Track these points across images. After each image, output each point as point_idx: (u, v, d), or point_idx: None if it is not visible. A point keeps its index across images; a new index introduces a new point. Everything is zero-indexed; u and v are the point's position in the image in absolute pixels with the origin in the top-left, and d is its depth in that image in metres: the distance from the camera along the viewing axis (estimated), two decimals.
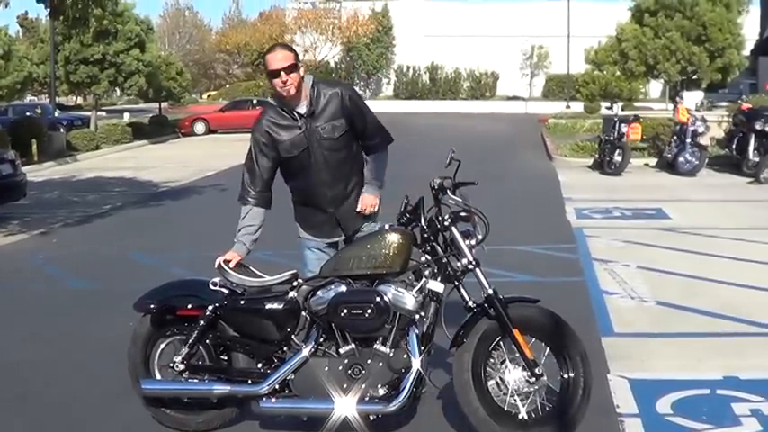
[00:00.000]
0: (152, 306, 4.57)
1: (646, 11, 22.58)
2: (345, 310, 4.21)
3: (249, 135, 4.79)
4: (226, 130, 33.54)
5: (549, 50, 48.74)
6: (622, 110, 21.23)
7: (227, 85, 61.41)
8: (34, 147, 21.87)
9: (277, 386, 4.35)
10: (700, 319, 6.70)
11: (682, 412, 4.76)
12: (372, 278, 4.30)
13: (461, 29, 48.89)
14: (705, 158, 16.83)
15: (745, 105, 18.16)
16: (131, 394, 4.76)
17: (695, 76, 22.50)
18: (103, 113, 39.19)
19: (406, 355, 4.20)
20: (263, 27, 52.56)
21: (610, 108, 18.96)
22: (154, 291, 4.69)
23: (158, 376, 4.65)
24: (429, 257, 4.31)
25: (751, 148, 15.92)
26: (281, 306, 4.37)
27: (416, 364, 4.17)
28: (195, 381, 4.54)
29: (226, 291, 4.47)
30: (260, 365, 4.48)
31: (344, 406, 4.22)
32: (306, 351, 4.33)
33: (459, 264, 4.29)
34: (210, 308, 4.46)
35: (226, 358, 4.58)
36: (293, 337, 4.41)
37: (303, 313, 4.39)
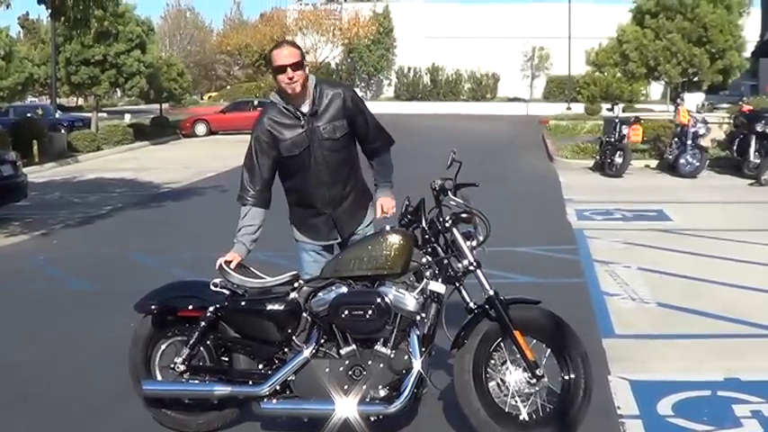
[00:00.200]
0: (153, 307, 4.57)
1: (647, 12, 22.57)
2: (346, 312, 4.21)
3: (250, 136, 4.78)
4: (227, 132, 33.56)
5: (549, 52, 48.69)
6: (623, 111, 21.20)
7: (228, 87, 61.40)
8: (35, 148, 21.87)
9: (278, 387, 4.35)
10: (701, 321, 6.70)
11: (683, 414, 4.76)
12: (373, 279, 4.30)
13: (462, 30, 48.88)
14: (706, 160, 16.83)
15: (746, 107, 18.16)
16: (132, 395, 4.76)
17: (696, 78, 22.48)
18: (104, 114, 39.21)
19: (406, 357, 4.20)
20: (264, 28, 52.52)
21: (611, 110, 18.96)
22: (155, 292, 4.69)
23: (159, 377, 4.65)
24: (430, 259, 4.31)
25: (752, 149, 15.91)
26: (282, 307, 4.37)
27: (417, 365, 4.17)
28: (196, 382, 4.54)
29: (227, 292, 4.47)
30: (261, 366, 4.48)
31: (345, 407, 4.22)
32: (307, 352, 4.33)
33: (460, 265, 4.29)
34: (211, 309, 4.46)
35: (227, 359, 4.58)
36: (294, 338, 4.41)
37: (304, 314, 4.39)
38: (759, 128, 15.92)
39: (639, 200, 13.69)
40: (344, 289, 4.30)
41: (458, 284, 4.29)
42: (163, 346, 4.66)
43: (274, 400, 4.37)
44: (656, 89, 42.62)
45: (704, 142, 17.37)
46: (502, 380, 4.25)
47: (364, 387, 4.23)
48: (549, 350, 4.27)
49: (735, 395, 5.00)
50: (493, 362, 4.27)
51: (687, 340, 6.24)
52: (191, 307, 4.53)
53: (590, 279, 8.20)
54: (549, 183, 16.26)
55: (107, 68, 27.85)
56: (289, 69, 4.48)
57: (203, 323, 4.47)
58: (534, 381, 4.20)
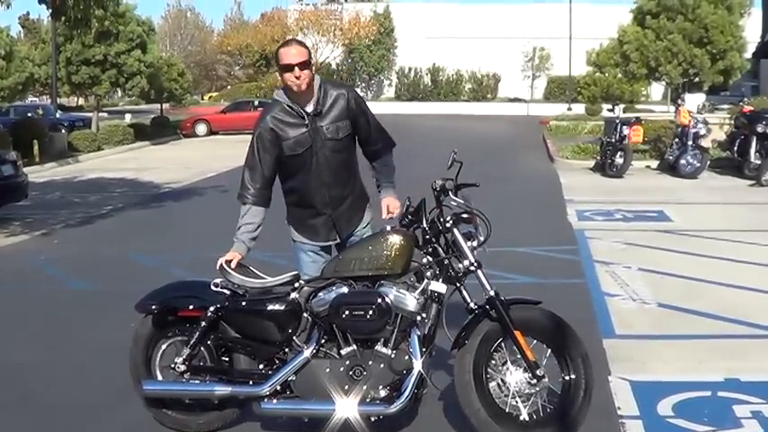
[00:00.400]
0: (153, 307, 4.57)
1: (647, 13, 22.59)
2: (347, 312, 4.21)
3: (251, 136, 4.77)
4: (227, 132, 33.57)
5: (550, 52, 48.68)
6: (624, 112, 21.21)
7: (229, 87, 61.44)
8: (36, 148, 21.87)
9: (278, 387, 4.35)
10: (701, 322, 6.70)
11: (683, 414, 4.76)
12: (374, 279, 4.30)
13: (463, 30, 48.88)
14: (706, 161, 16.82)
15: (747, 108, 18.16)
16: (133, 395, 4.76)
17: (697, 79, 22.50)
18: (105, 114, 39.23)
19: (407, 357, 4.20)
20: (265, 28, 52.54)
21: (611, 110, 18.97)
22: (155, 292, 4.69)
23: (160, 377, 4.65)
24: (431, 259, 4.31)
25: (752, 150, 15.91)
26: (282, 307, 4.37)
27: (418, 365, 4.17)
28: (196, 382, 4.54)
29: (227, 292, 4.47)
30: (261, 367, 4.48)
31: (346, 407, 4.22)
32: (307, 352, 4.33)
33: (460, 265, 4.29)
34: (212, 309, 4.46)
35: (227, 359, 4.58)
36: (295, 338, 4.41)
37: (305, 314, 4.39)
38: (760, 129, 15.92)
39: (640, 200, 13.68)
40: (345, 289, 4.30)
41: (458, 285, 4.29)
42: (163, 346, 4.66)
43: (275, 401, 4.36)
44: (656, 90, 42.62)
45: (705, 143, 17.37)
46: (502, 380, 4.25)
47: (365, 387, 4.23)
48: (549, 350, 4.27)
49: (735, 395, 5.00)
50: (493, 362, 4.27)
51: (687, 341, 6.24)
52: (191, 307, 4.53)
53: (590, 279, 8.20)
54: (550, 183, 16.26)
55: (108, 68, 27.86)
56: (296, 68, 4.48)
57: (204, 323, 4.47)
58: (535, 381, 4.20)
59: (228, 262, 4.51)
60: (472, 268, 4.26)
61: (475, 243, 4.31)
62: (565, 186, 15.68)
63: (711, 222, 11.41)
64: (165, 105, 39.49)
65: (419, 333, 4.24)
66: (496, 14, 49.09)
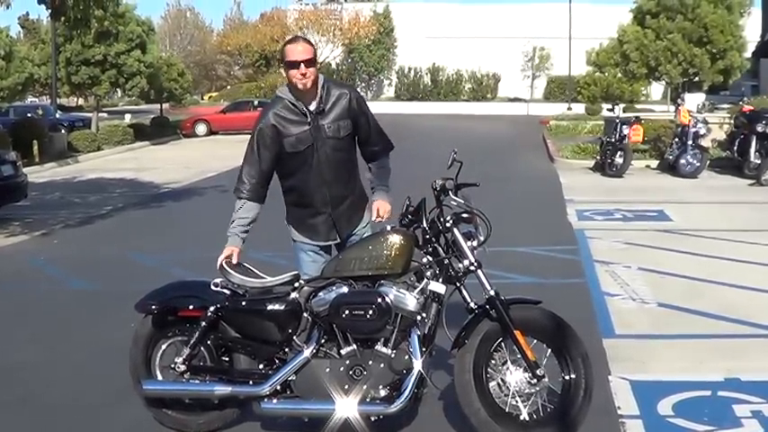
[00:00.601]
0: (153, 307, 4.57)
1: (647, 13, 22.59)
2: (347, 311, 4.21)
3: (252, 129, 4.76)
4: (227, 132, 33.56)
5: (550, 52, 48.65)
6: (624, 112, 21.21)
7: (229, 87, 61.40)
8: (35, 148, 21.88)
9: (278, 387, 4.35)
10: (701, 321, 6.70)
11: (683, 414, 4.76)
12: (374, 279, 4.30)
13: (463, 30, 48.87)
14: (706, 160, 16.83)
15: (747, 107, 18.17)
16: (132, 395, 4.76)
17: (697, 78, 22.50)
18: (105, 114, 39.22)
19: (407, 357, 4.20)
20: (265, 28, 52.47)
21: (611, 110, 18.97)
22: (155, 292, 4.69)
23: (159, 377, 4.65)
24: (431, 259, 4.31)
25: (752, 149, 15.92)
26: (282, 307, 4.37)
27: (418, 365, 4.17)
28: (196, 382, 4.54)
29: (227, 292, 4.47)
30: (261, 366, 4.48)
31: (346, 407, 4.22)
32: (307, 352, 4.33)
33: (460, 265, 4.29)
34: (212, 309, 4.46)
35: (227, 359, 4.57)
36: (295, 338, 4.41)
37: (305, 314, 4.39)
38: (759, 128, 15.93)
39: (640, 200, 13.69)
40: (345, 289, 4.30)
41: (458, 284, 4.29)
42: (163, 346, 4.66)
43: (275, 400, 4.36)
44: (656, 89, 42.63)
45: (705, 142, 17.38)
46: (502, 380, 4.25)
47: (365, 387, 4.23)
48: (549, 350, 4.27)
49: (735, 395, 5.00)
50: (493, 362, 4.27)
51: (687, 340, 6.24)
52: (191, 307, 4.52)
53: (590, 279, 8.20)
54: (550, 183, 16.27)
55: (107, 68, 27.85)
56: (302, 65, 4.49)
57: (204, 323, 4.47)
58: (535, 381, 4.20)
59: (229, 260, 4.51)
60: (472, 268, 4.25)
61: (475, 243, 4.30)
62: (565, 186, 15.68)
63: (711, 222, 11.41)
64: (165, 105, 39.47)
65: (419, 333, 4.24)
66: (496, 14, 49.08)
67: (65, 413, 5.14)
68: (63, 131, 25.82)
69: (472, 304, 4.28)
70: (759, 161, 15.59)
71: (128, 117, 35.70)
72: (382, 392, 4.23)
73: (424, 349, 4.22)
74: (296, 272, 4.53)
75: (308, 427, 4.42)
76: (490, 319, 4.22)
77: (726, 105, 21.82)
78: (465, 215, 4.31)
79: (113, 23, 24.21)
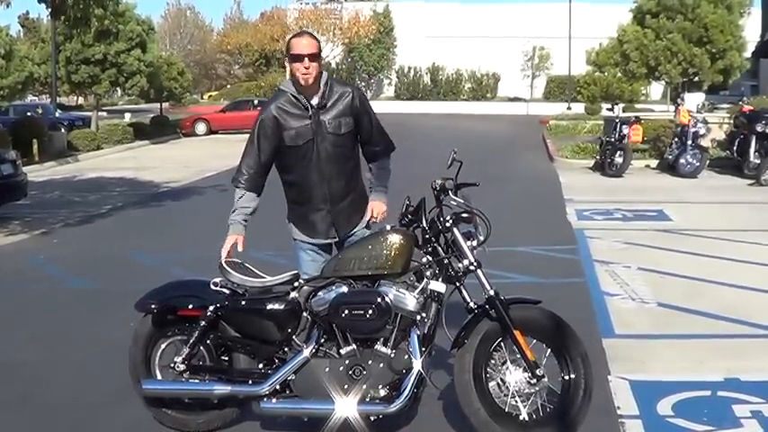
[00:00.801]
0: (153, 306, 4.57)
1: (647, 12, 22.57)
2: (346, 311, 4.21)
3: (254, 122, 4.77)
4: (227, 131, 33.55)
5: (550, 52, 48.72)
6: (623, 111, 21.21)
7: (229, 86, 61.40)
8: (35, 147, 21.87)
9: (278, 387, 4.35)
10: (701, 321, 6.70)
11: (682, 414, 4.76)
12: (374, 279, 4.30)
13: (463, 30, 48.90)
14: (706, 160, 16.83)
15: (747, 107, 18.17)
16: (132, 394, 4.76)
17: (696, 78, 22.48)
18: (104, 113, 39.22)
19: (407, 356, 4.20)
20: (265, 27, 52.47)
21: (611, 109, 18.97)
22: (155, 291, 4.69)
23: (159, 376, 4.65)
24: (430, 258, 4.31)
25: (752, 149, 15.92)
26: (282, 307, 4.37)
27: (417, 365, 4.17)
28: (196, 381, 4.54)
29: (227, 291, 4.47)
30: (261, 366, 4.48)
31: (345, 407, 4.22)
32: (307, 352, 4.33)
33: (460, 265, 4.28)
34: (211, 308, 4.46)
35: (227, 359, 4.58)
36: (294, 337, 4.41)
37: (304, 314, 4.39)
38: (759, 128, 15.93)
39: (640, 200, 13.69)
40: (345, 288, 4.30)
41: (458, 284, 4.29)
42: (163, 346, 4.66)
43: (274, 400, 4.36)
44: (656, 89, 42.66)
45: (704, 142, 17.38)
46: (502, 380, 4.25)
47: (364, 387, 4.23)
48: (549, 350, 4.27)
49: (735, 395, 5.00)
50: (493, 362, 4.27)
51: (687, 340, 6.24)
52: (191, 306, 4.53)
53: (590, 279, 8.20)
54: (550, 183, 16.26)
55: (107, 67, 27.83)
56: (306, 59, 4.51)
57: (203, 322, 4.47)
58: (534, 381, 4.20)
59: (230, 262, 4.50)
60: (472, 268, 4.25)
61: (474, 242, 4.30)
62: (564, 186, 15.68)
63: (711, 222, 11.41)
64: (165, 104, 39.46)
65: (419, 332, 4.24)
66: (496, 14, 49.12)
67: (65, 412, 5.14)
68: (63, 130, 25.82)
69: (472, 304, 4.28)
70: (759, 161, 15.59)
71: (127, 116, 35.70)
72: (382, 392, 4.23)
73: (423, 349, 4.22)
74: (295, 271, 4.53)
75: (307, 427, 4.42)
76: (490, 319, 4.22)
77: (725, 105, 21.83)
78: (465, 215, 4.31)
79: (113, 22, 24.15)
